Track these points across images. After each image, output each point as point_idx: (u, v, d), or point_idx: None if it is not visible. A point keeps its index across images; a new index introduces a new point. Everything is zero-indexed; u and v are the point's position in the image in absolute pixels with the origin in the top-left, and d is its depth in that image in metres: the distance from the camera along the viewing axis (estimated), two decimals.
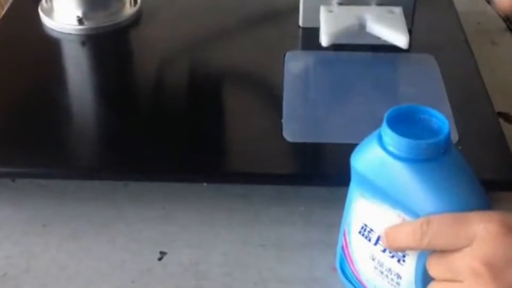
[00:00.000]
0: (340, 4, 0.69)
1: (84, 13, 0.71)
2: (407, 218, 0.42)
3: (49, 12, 0.73)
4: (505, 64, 0.76)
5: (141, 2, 0.75)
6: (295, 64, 0.67)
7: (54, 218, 0.55)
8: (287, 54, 0.68)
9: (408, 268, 0.43)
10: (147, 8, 0.76)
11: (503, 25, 0.81)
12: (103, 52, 0.71)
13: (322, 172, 0.56)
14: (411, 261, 0.43)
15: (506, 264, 0.37)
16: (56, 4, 0.73)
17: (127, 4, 0.74)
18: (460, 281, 0.38)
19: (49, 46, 0.72)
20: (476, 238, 0.38)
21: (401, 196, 0.41)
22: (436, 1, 0.79)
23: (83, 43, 0.71)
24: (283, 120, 0.59)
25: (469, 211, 0.39)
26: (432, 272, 0.41)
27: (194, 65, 0.70)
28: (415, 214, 0.41)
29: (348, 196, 0.46)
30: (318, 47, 0.67)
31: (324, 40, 0.65)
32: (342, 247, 0.47)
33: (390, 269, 0.44)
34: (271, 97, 0.65)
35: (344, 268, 0.48)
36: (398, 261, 0.43)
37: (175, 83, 0.67)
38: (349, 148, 0.57)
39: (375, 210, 0.44)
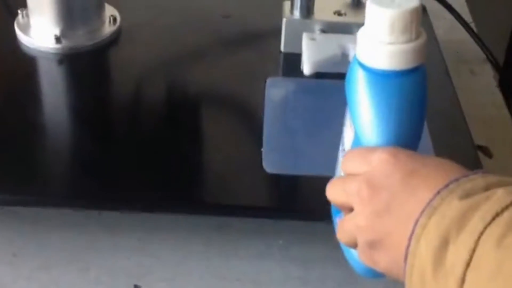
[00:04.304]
0: (323, 31, 0.69)
1: (62, 32, 0.69)
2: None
3: (26, 29, 0.71)
4: (484, 95, 0.76)
5: (121, 21, 0.74)
6: (276, 91, 0.67)
7: (25, 247, 0.54)
8: (268, 80, 0.67)
9: None
10: (126, 27, 0.74)
11: (482, 55, 0.81)
12: (80, 72, 0.69)
13: (301, 205, 0.55)
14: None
15: (382, 187, 0.38)
16: (33, 21, 0.71)
17: (106, 23, 0.73)
18: (350, 204, 0.40)
19: (24, 64, 0.70)
20: (371, 165, 0.39)
21: (353, 107, 0.42)
22: None
23: (60, 62, 0.70)
24: (263, 150, 0.59)
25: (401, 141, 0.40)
26: (329, 192, 0.43)
27: (172, 89, 0.69)
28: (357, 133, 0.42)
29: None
30: (300, 73, 0.66)
31: (306, 69, 0.64)
32: None
33: None
34: (251, 124, 0.64)
35: None
36: None
37: (152, 107, 0.66)
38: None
39: (347, 129, 0.44)
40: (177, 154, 0.59)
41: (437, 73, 0.72)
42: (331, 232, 0.52)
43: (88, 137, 0.61)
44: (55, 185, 0.56)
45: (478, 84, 0.78)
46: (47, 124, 0.63)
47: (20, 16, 0.72)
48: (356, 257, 0.43)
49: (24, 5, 0.71)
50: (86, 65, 0.70)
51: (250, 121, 0.65)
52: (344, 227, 0.41)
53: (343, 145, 0.46)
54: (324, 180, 0.56)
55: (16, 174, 0.55)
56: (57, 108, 0.66)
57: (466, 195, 0.34)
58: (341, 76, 0.67)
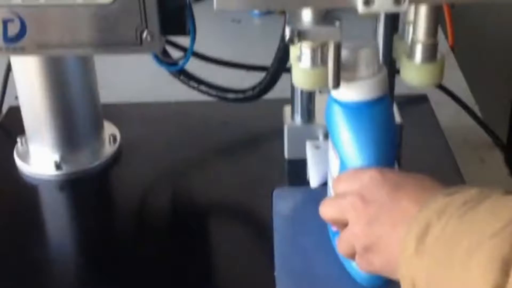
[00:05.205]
0: (326, 136, 0.68)
1: (62, 157, 0.68)
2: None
3: (25, 157, 0.70)
4: (496, 183, 0.74)
5: (121, 138, 0.73)
6: (284, 203, 0.64)
7: None
8: (275, 191, 0.65)
9: None
10: (127, 144, 0.73)
11: (489, 139, 0.80)
12: (83, 197, 0.68)
13: None
14: None
15: (373, 200, 0.45)
16: (32, 148, 0.70)
17: (106, 143, 0.72)
18: (344, 218, 0.47)
19: (25, 194, 0.68)
20: (362, 182, 0.46)
21: (335, 138, 0.51)
22: (421, 119, 0.78)
23: (62, 189, 0.68)
24: (276, 274, 0.56)
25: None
26: (323, 210, 0.49)
27: (178, 207, 0.67)
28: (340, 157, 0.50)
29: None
30: (306, 180, 0.65)
31: (313, 182, 0.63)
32: None
33: None
34: (261, 243, 0.62)
35: None
36: None
37: (159, 228, 0.64)
38: None
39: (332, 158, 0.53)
40: (187, 279, 0.56)
41: (445, 163, 0.70)
42: None
43: (93, 267, 0.59)
44: None
45: (488, 171, 0.76)
46: (50, 257, 0.61)
47: (19, 144, 0.71)
48: (357, 268, 0.50)
49: (22, 132, 0.71)
50: (88, 189, 0.68)
51: (260, 238, 0.63)
52: (343, 238, 0.47)
53: (330, 173, 0.54)
54: None
55: None
56: (60, 238, 0.64)
57: (450, 194, 0.41)
58: None
